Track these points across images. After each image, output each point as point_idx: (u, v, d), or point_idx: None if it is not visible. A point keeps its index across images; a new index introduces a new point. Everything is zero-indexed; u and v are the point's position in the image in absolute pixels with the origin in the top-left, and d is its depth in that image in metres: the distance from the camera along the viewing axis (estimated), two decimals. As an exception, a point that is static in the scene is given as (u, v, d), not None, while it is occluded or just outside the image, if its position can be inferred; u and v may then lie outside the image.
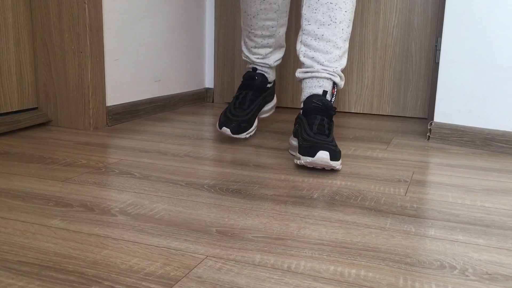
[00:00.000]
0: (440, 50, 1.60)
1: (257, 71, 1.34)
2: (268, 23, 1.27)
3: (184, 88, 1.89)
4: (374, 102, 1.82)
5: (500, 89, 1.27)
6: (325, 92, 1.16)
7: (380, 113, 1.82)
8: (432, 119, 1.71)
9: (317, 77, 1.17)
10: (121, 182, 0.96)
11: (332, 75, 1.17)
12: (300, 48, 1.19)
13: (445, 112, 1.37)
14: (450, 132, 1.35)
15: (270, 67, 1.35)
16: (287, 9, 1.28)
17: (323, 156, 1.00)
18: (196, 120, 1.61)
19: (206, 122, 1.59)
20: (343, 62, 1.19)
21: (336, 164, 1.03)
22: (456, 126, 1.35)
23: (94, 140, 1.29)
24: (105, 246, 0.68)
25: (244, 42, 1.35)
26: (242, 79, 1.35)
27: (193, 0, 1.87)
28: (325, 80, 1.17)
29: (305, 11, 1.16)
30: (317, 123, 1.10)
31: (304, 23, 1.17)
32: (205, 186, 0.95)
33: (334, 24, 1.15)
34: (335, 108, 1.15)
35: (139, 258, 0.65)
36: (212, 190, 0.92)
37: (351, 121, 1.68)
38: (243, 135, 1.26)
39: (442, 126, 1.37)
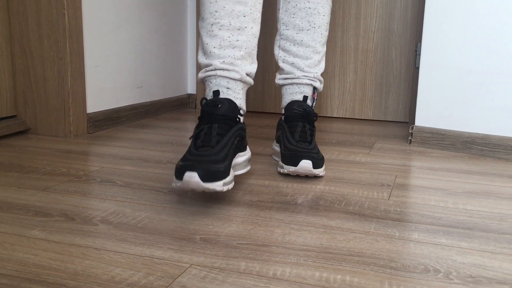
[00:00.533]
0: (420, 55, 1.62)
1: (219, 96, 0.95)
2: (239, 8, 0.93)
3: (166, 94, 1.88)
4: (356, 107, 1.83)
5: (479, 93, 1.29)
6: (305, 98, 1.15)
7: (362, 118, 1.83)
8: (413, 123, 1.72)
9: (297, 84, 1.16)
10: (103, 190, 0.94)
11: (312, 80, 1.16)
12: (279, 53, 1.17)
13: (426, 116, 1.38)
14: (431, 135, 1.37)
15: (240, 81, 0.96)
16: (261, 1, 0.98)
17: (305, 165, 1.00)
18: (178, 126, 1.60)
19: (189, 128, 1.58)
20: (322, 66, 1.18)
21: (319, 172, 1.03)
22: (437, 129, 1.36)
23: (74, 148, 1.27)
24: (86, 256, 0.67)
25: (202, 47, 0.96)
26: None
27: (174, 6, 1.87)
28: (306, 86, 1.16)
29: (283, 15, 1.14)
30: (299, 130, 1.09)
31: (281, 27, 1.15)
32: (188, 193, 0.94)
33: (313, 29, 1.13)
34: (316, 114, 1.14)
35: (121, 268, 0.63)
36: (196, 197, 0.91)
37: (333, 126, 1.69)
38: (218, 185, 0.79)
39: (423, 130, 1.38)
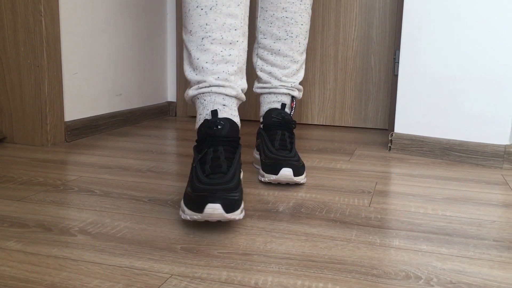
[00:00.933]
0: (398, 62, 1.64)
1: (219, 116, 0.88)
2: (230, 21, 0.88)
3: (146, 102, 1.86)
4: (336, 114, 1.84)
5: (457, 100, 1.31)
6: (283, 105, 1.14)
7: (343, 125, 1.84)
8: (393, 130, 1.74)
9: (275, 93, 1.15)
10: (81, 200, 0.93)
11: (290, 90, 1.15)
12: (257, 62, 1.16)
13: (405, 123, 1.40)
14: (410, 142, 1.38)
15: (236, 98, 0.91)
16: (248, 12, 0.93)
17: (286, 173, 1.00)
18: (159, 134, 1.59)
19: (169, 136, 1.57)
20: (301, 75, 1.17)
21: (300, 179, 1.03)
22: (416, 136, 1.38)
23: (52, 157, 1.25)
24: (63, 268, 0.65)
25: (192, 62, 0.90)
26: (197, 136, 0.89)
27: (154, 13, 1.86)
28: (283, 95, 1.15)
29: (260, 24, 1.13)
30: (278, 139, 1.08)
31: (259, 36, 1.14)
32: (169, 202, 0.93)
33: (291, 39, 1.12)
34: (295, 122, 1.13)
35: (100, 280, 0.62)
36: (176, 206, 0.90)
37: (314, 133, 1.69)
38: (237, 214, 0.76)
39: (403, 136, 1.39)
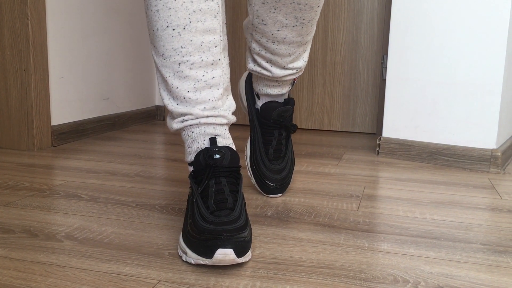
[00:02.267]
0: (386, 67, 1.65)
1: (217, 143, 0.78)
2: (208, 38, 0.75)
3: (134, 106, 1.85)
4: (325, 118, 1.85)
5: (444, 104, 1.32)
6: (286, 102, 1.00)
7: (331, 129, 1.85)
8: (381, 134, 1.75)
9: (277, 81, 0.97)
10: (67, 205, 0.92)
11: (294, 74, 0.96)
12: (255, 46, 0.92)
13: (393, 127, 1.40)
14: (398, 146, 1.39)
15: (227, 124, 0.80)
16: (225, 15, 0.81)
17: (276, 196, 0.98)
18: (146, 139, 1.58)
19: (157, 141, 1.56)
20: (306, 56, 0.96)
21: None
22: (404, 140, 1.38)
23: (38, 162, 1.23)
24: (50, 274, 0.64)
25: (170, 90, 0.77)
26: (194, 166, 0.76)
27: (141, 16, 1.85)
28: (288, 85, 0.99)
29: (258, 7, 0.86)
30: (274, 145, 0.99)
31: (256, 20, 0.87)
32: (156, 206, 0.92)
33: (302, 25, 0.87)
34: (295, 126, 1.01)
35: (87, 286, 0.61)
36: (164, 211, 0.90)
37: (303, 137, 1.70)
38: (249, 255, 0.69)
39: (391, 141, 1.40)
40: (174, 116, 0.79)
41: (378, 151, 1.42)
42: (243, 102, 1.07)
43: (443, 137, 1.33)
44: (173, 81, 0.76)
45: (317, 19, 0.89)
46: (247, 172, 1.14)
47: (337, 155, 1.43)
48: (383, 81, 1.77)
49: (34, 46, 1.31)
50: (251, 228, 0.72)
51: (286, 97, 1.03)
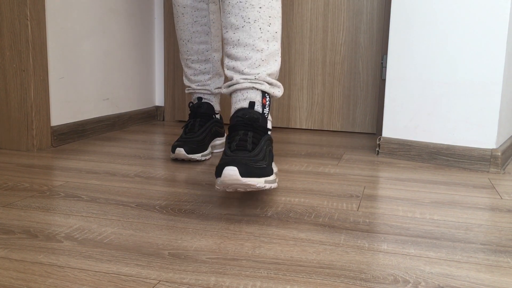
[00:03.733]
0: (386, 67, 1.65)
1: (202, 100, 1.37)
2: (202, 46, 1.32)
3: (134, 107, 1.85)
4: (325, 119, 1.85)
5: (443, 104, 1.32)
6: (252, 104, 0.99)
7: (331, 129, 1.85)
8: (381, 134, 1.75)
9: (239, 89, 1.00)
10: (67, 205, 0.92)
11: (255, 83, 0.99)
12: (224, 60, 1.05)
13: (393, 127, 1.40)
14: (398, 146, 1.39)
15: (212, 93, 1.37)
16: (219, 33, 1.34)
17: (229, 173, 0.81)
18: (146, 139, 1.58)
19: (157, 141, 1.56)
20: (272, 67, 1.01)
21: (256, 182, 0.82)
22: (404, 140, 1.38)
23: (38, 162, 1.23)
24: (49, 275, 0.64)
25: (184, 73, 1.38)
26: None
27: (142, 18, 1.85)
28: (250, 91, 0.99)
29: (222, 18, 1.02)
30: (237, 139, 0.92)
31: (223, 31, 1.03)
32: (156, 207, 0.92)
33: (248, 25, 0.98)
34: (267, 119, 0.98)
35: (86, 287, 0.61)
36: (164, 211, 0.90)
37: (302, 138, 1.70)
38: (198, 156, 1.27)
39: (390, 141, 1.40)
40: (187, 90, 1.40)
41: (378, 151, 1.42)
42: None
43: (443, 137, 1.33)
44: (185, 68, 1.38)
45: (266, 24, 0.99)
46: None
47: (337, 155, 1.43)
48: (383, 81, 1.77)
49: (33, 46, 1.31)
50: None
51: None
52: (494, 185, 1.14)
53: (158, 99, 2.01)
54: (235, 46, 1.00)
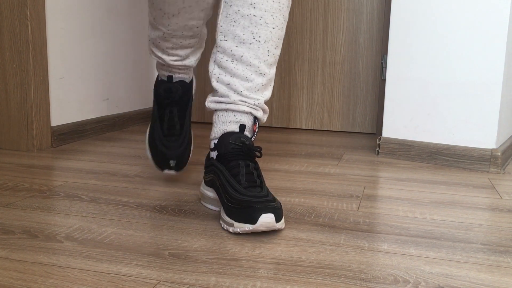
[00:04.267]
0: (386, 67, 1.65)
1: (173, 80, 1.05)
2: (192, 22, 0.95)
3: (134, 107, 1.85)
4: (325, 119, 1.85)
5: (443, 104, 1.32)
6: (242, 127, 0.89)
7: (331, 129, 1.85)
8: (381, 134, 1.75)
9: (233, 110, 0.90)
10: (67, 205, 0.92)
11: (253, 108, 0.90)
12: (214, 70, 0.91)
13: (393, 127, 1.40)
14: (398, 146, 1.39)
15: (188, 68, 1.07)
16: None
17: (267, 221, 0.77)
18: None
19: (157, 141, 1.56)
20: (268, 94, 0.92)
21: (282, 224, 0.80)
22: (404, 140, 1.38)
23: (38, 162, 1.23)
24: (50, 275, 0.64)
25: (155, 42, 1.00)
26: (154, 92, 1.06)
27: (141, 17, 1.85)
28: (244, 115, 0.90)
29: (222, 22, 0.90)
30: (244, 172, 0.84)
31: (219, 37, 0.90)
32: (156, 207, 0.92)
33: (258, 44, 0.88)
34: (260, 148, 0.88)
35: (87, 287, 0.61)
36: (164, 211, 0.90)
37: (302, 138, 1.70)
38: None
39: (390, 141, 1.40)
40: (154, 56, 1.05)
41: (378, 151, 1.42)
42: (210, 197, 0.95)
43: (443, 137, 1.33)
44: (159, 41, 1.00)
45: (274, 47, 0.90)
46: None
47: (337, 155, 1.43)
48: (383, 81, 1.77)
49: (33, 47, 1.31)
50: (190, 149, 0.98)
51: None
52: (494, 185, 1.14)
53: (158, 99, 2.01)
54: (236, 61, 0.89)
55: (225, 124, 0.90)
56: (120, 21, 1.71)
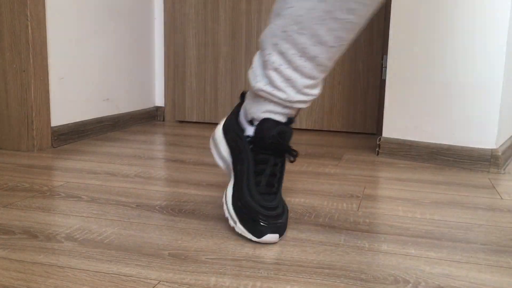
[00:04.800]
0: (386, 67, 1.65)
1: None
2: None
3: (134, 107, 1.85)
4: (325, 119, 1.85)
5: (443, 104, 1.32)
6: (290, 121, 0.83)
7: (331, 129, 1.85)
8: (381, 134, 1.75)
9: (284, 106, 0.82)
10: (68, 206, 0.92)
11: (304, 103, 0.83)
12: (271, 56, 0.78)
13: (393, 127, 1.40)
14: (398, 146, 1.39)
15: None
16: None
17: (272, 240, 0.76)
18: (147, 140, 1.58)
19: (157, 141, 1.56)
20: (319, 90, 0.84)
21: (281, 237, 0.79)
22: (404, 141, 1.38)
23: (38, 162, 1.23)
24: (50, 275, 0.64)
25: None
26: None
27: (141, 17, 1.85)
28: (294, 109, 0.84)
29: (301, 12, 0.75)
30: (268, 173, 0.80)
31: (291, 26, 0.76)
32: (156, 207, 0.92)
33: (335, 49, 0.77)
34: (296, 152, 0.82)
35: (87, 287, 0.61)
36: (164, 212, 0.90)
37: (302, 138, 1.69)
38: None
39: (391, 141, 1.40)
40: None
41: (378, 151, 1.42)
42: (221, 151, 0.89)
43: (443, 137, 1.33)
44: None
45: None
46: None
47: (337, 155, 1.43)
48: (383, 81, 1.77)
49: (33, 47, 1.31)
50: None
51: None
52: (494, 185, 1.14)
53: (158, 100, 2.01)
54: (306, 59, 0.77)
55: (271, 113, 0.81)
56: (121, 21, 1.71)
